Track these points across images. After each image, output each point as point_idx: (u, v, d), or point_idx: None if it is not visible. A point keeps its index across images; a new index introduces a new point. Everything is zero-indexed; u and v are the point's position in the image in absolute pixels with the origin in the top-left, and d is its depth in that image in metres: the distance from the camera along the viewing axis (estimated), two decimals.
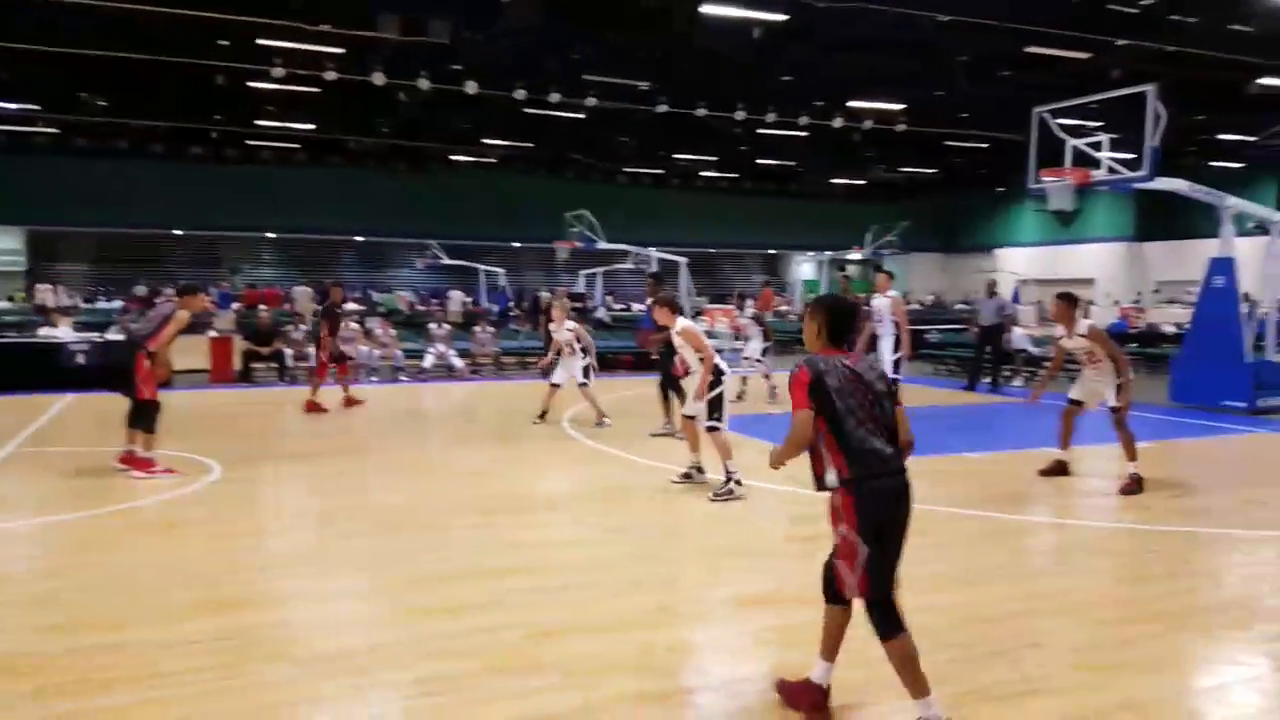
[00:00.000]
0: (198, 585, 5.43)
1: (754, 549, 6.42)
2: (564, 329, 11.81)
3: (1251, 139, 31.80)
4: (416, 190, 38.78)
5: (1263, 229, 14.09)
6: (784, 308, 34.06)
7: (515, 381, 17.57)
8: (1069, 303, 8.40)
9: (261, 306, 25.67)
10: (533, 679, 4.17)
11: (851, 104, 26.81)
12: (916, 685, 3.50)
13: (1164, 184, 12.94)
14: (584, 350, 11.72)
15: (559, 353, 11.93)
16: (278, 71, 22.08)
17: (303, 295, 27.92)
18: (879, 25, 18.97)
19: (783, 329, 27.39)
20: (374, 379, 17.27)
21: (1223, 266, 13.43)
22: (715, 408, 7.86)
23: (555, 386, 11.89)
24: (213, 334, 17.97)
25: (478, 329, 19.14)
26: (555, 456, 9.94)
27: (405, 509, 7.45)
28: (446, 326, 18.69)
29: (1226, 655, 4.64)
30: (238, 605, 5.11)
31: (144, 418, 8.36)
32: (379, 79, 22.32)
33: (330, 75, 22.45)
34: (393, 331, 18.34)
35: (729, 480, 7.73)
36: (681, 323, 8.34)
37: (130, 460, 8.38)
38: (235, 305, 28.89)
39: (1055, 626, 4.82)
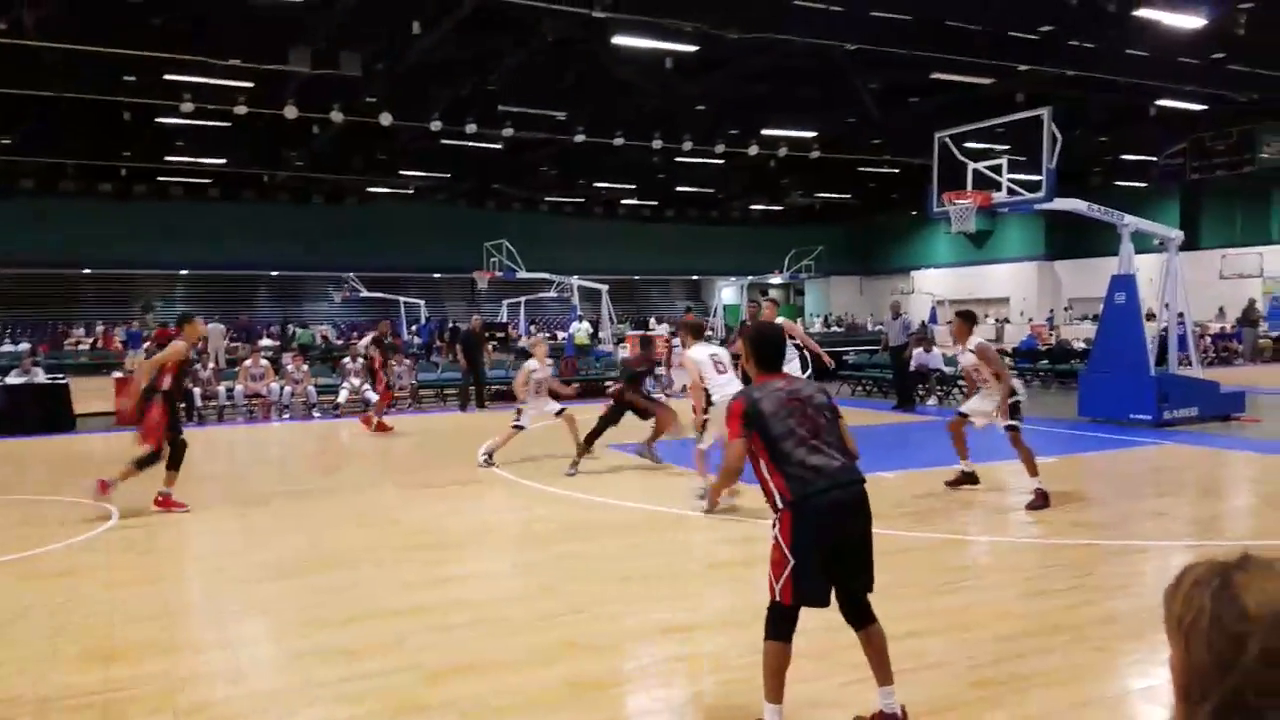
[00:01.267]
0: (85, 636, 5.21)
1: (667, 578, 6.35)
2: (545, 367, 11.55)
3: (1153, 159, 33.18)
4: (332, 223, 38.29)
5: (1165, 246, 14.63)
6: (707, 334, 34.30)
7: (432, 415, 17.27)
8: (965, 320, 8.64)
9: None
10: None
11: (766, 132, 27.24)
12: (774, 691, 3.68)
13: (1062, 204, 13.34)
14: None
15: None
16: (186, 106, 21.57)
17: (215, 332, 27.10)
18: (789, 55, 19.32)
19: None
20: (286, 416, 16.82)
21: (1124, 283, 13.86)
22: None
23: (521, 428, 11.18)
24: (118, 375, 17.31)
25: (394, 362, 18.73)
26: (468, 490, 9.77)
27: (308, 551, 7.21)
28: (361, 360, 18.26)
29: (1123, 667, 4.71)
30: (124, 656, 4.88)
31: (142, 459, 8.30)
32: (291, 112, 21.96)
33: (241, 109, 22.03)
34: (305, 367, 17.90)
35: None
36: (692, 352, 8.59)
37: (101, 487, 8.28)
38: (145, 344, 27.93)
39: (955, 644, 4.83)
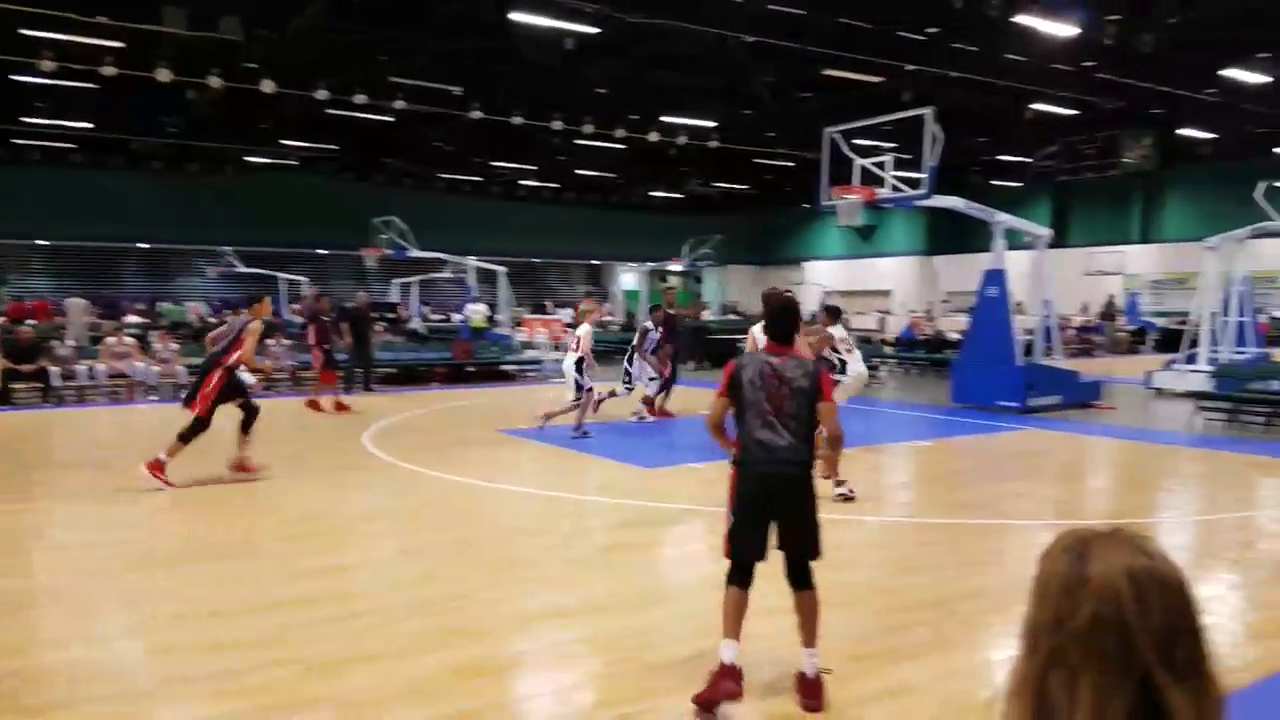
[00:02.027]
0: None
1: (556, 562, 6.35)
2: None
3: (1027, 160, 34.76)
4: (208, 194, 36.56)
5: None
6: (608, 318, 34.35)
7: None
8: (829, 313, 10.00)
9: (29, 320, 23.41)
10: (307, 716, 3.95)
11: (666, 119, 27.37)
12: (733, 629, 4.07)
13: (941, 201, 13.85)
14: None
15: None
16: (47, 65, 20.23)
17: (75, 308, 25.57)
18: (690, 43, 19.46)
19: (604, 340, 27.57)
20: (153, 398, 16.05)
21: (995, 278, 14.50)
22: None
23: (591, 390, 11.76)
24: None
25: (271, 341, 18.01)
26: (352, 475, 9.53)
27: (181, 540, 6.93)
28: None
29: (989, 638, 4.97)
30: None
31: (189, 429, 8.57)
32: (164, 75, 20.85)
33: (109, 70, 20.79)
34: (174, 346, 17.09)
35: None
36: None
37: (153, 466, 8.43)
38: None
39: (833, 619, 4.97)
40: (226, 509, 7.92)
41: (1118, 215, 36.34)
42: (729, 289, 48.22)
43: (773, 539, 4.13)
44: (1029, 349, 15.20)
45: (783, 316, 4.28)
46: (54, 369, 15.54)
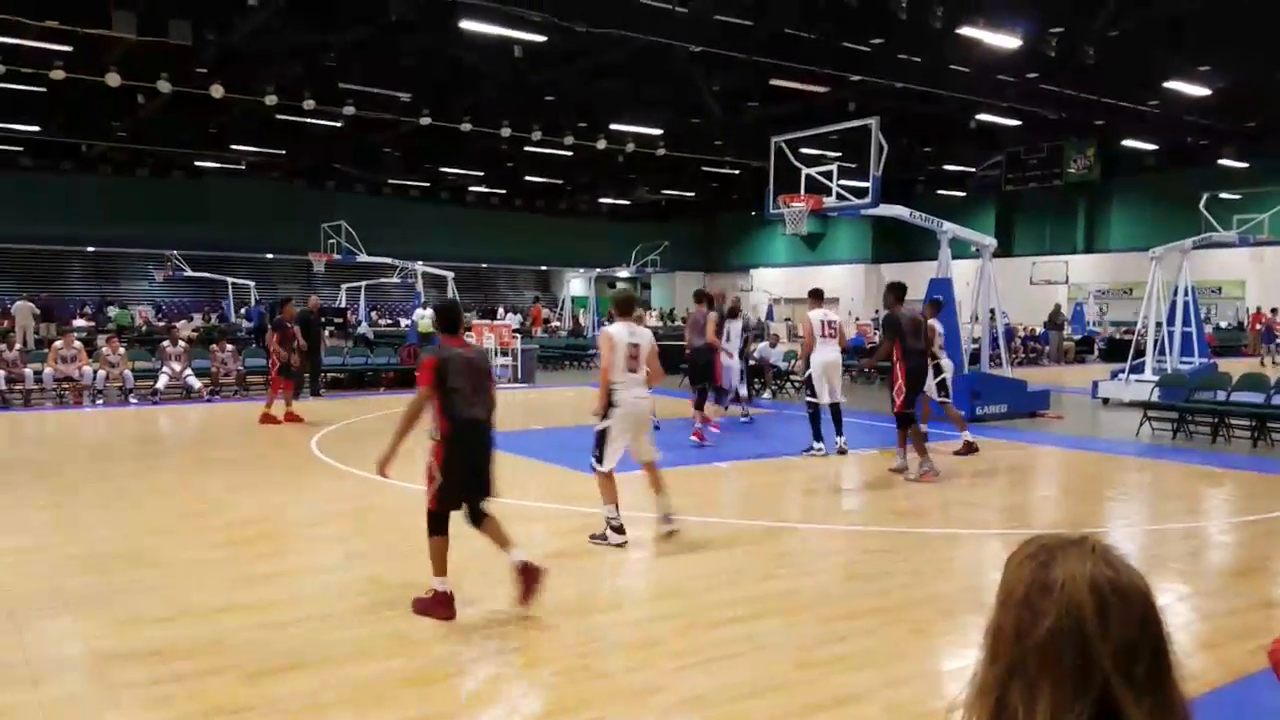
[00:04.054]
0: None
1: (498, 568, 6.24)
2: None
3: (972, 170, 35.35)
4: (156, 197, 35.86)
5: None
6: (555, 324, 34.31)
7: (261, 402, 16.38)
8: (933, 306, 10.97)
9: None
10: None
11: (614, 126, 27.40)
12: (441, 568, 5.14)
13: (887, 210, 14.02)
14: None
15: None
16: None
17: (23, 310, 25.00)
18: (636, 52, 19.47)
19: (552, 346, 27.54)
20: (100, 402, 15.73)
21: (941, 286, 14.68)
22: (597, 443, 6.73)
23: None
24: None
25: (217, 347, 17.81)
26: (298, 480, 9.40)
27: (123, 545, 6.77)
28: (182, 344, 17.30)
29: (938, 647, 5.00)
30: None
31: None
32: (114, 80, 20.42)
33: (58, 74, 20.31)
34: (121, 350, 16.79)
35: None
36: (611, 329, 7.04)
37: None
38: None
39: (780, 627, 5.02)
40: (171, 514, 7.75)
41: (1062, 225, 37.10)
42: (677, 296, 48.41)
43: None
44: (975, 358, 15.41)
45: (448, 316, 5.36)
46: (0, 373, 15.37)
